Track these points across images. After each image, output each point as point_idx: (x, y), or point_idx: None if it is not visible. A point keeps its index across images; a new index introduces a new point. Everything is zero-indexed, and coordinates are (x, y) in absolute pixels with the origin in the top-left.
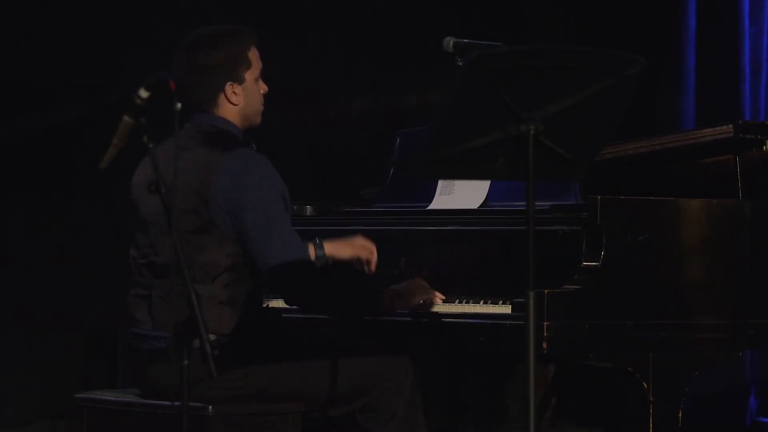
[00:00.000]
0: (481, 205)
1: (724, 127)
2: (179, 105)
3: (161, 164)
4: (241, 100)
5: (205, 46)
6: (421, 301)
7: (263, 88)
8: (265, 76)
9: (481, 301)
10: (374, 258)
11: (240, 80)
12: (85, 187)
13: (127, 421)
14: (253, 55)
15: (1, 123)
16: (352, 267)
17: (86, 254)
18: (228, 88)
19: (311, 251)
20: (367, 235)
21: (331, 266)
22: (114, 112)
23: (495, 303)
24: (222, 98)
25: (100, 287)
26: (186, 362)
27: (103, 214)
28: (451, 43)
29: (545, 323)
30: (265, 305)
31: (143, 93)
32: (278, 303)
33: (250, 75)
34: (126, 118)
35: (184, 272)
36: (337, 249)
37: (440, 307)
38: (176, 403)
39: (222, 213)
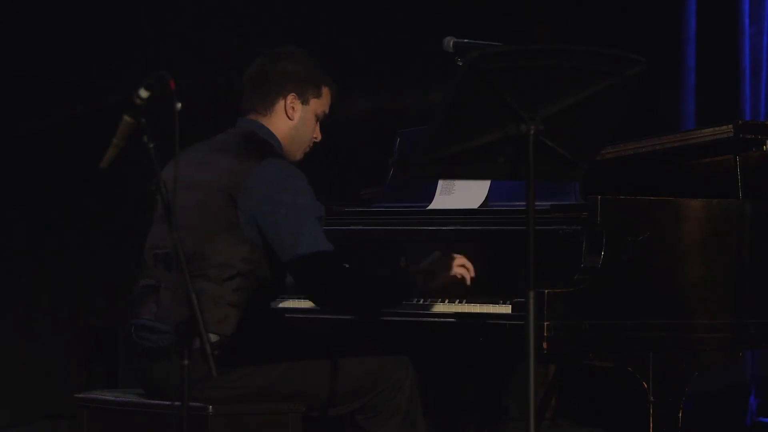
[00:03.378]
0: (481, 205)
1: (724, 127)
2: (179, 105)
3: (183, 162)
4: (296, 118)
5: (287, 57)
6: (456, 276)
7: (318, 133)
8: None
9: (482, 301)
10: (470, 268)
11: (304, 100)
12: (85, 188)
13: (127, 421)
14: (326, 94)
15: (1, 123)
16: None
17: (86, 254)
18: (290, 98)
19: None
20: (368, 235)
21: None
22: (114, 113)
23: (495, 303)
24: (280, 106)
25: (100, 287)
26: (186, 362)
27: (104, 213)
28: (451, 43)
29: (545, 323)
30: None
31: (143, 93)
32: (308, 303)
33: (315, 104)
34: (126, 117)
35: (185, 271)
36: (439, 280)
37: (440, 307)
38: (176, 403)
39: (248, 216)
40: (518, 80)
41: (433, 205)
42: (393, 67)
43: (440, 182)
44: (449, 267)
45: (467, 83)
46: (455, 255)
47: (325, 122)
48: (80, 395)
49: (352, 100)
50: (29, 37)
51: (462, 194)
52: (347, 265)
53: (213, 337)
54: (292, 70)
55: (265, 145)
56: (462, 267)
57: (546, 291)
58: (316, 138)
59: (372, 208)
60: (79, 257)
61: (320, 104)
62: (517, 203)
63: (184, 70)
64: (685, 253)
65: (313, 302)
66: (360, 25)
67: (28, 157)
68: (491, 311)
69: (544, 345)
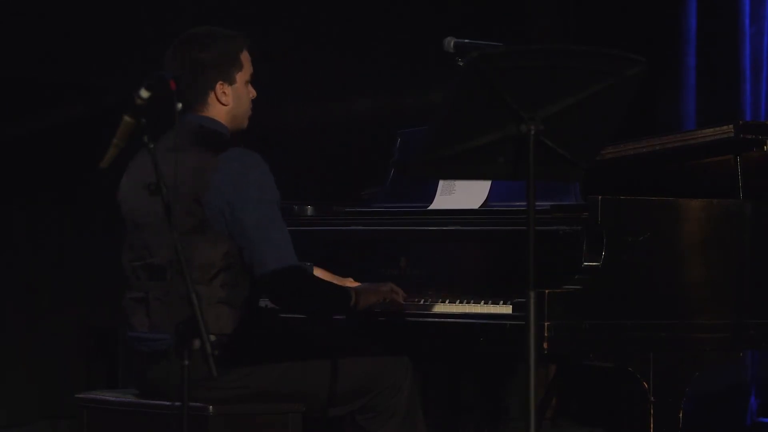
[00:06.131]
0: (481, 206)
1: (725, 127)
2: (180, 105)
3: (144, 168)
4: (230, 101)
5: (198, 45)
6: (383, 299)
7: (252, 92)
8: (258, 77)
9: (482, 301)
10: (401, 295)
11: (231, 81)
12: (85, 188)
13: (128, 421)
14: (245, 58)
15: (1, 123)
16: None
17: (86, 254)
18: (218, 87)
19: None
20: (368, 235)
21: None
22: (114, 113)
23: (496, 303)
24: (212, 97)
25: (100, 287)
26: (186, 362)
27: (103, 214)
28: (452, 43)
29: (546, 323)
30: (263, 305)
31: (144, 93)
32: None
33: (241, 77)
34: (126, 118)
35: (185, 272)
36: (367, 298)
37: (440, 307)
38: (176, 404)
39: (217, 213)
40: (518, 80)
41: (433, 206)
42: (393, 67)
43: (441, 182)
44: (378, 292)
45: (467, 83)
46: (385, 283)
47: (326, 123)
48: (80, 395)
49: (352, 100)
50: (29, 37)
51: (462, 194)
52: (302, 266)
53: (211, 337)
54: (208, 58)
55: (217, 136)
56: (390, 292)
57: (546, 291)
58: (252, 97)
59: (372, 208)
60: (79, 257)
61: (245, 72)
62: (518, 203)
63: None
64: (685, 253)
65: (271, 301)
66: (360, 25)
67: (28, 157)
68: (492, 311)
69: (545, 345)
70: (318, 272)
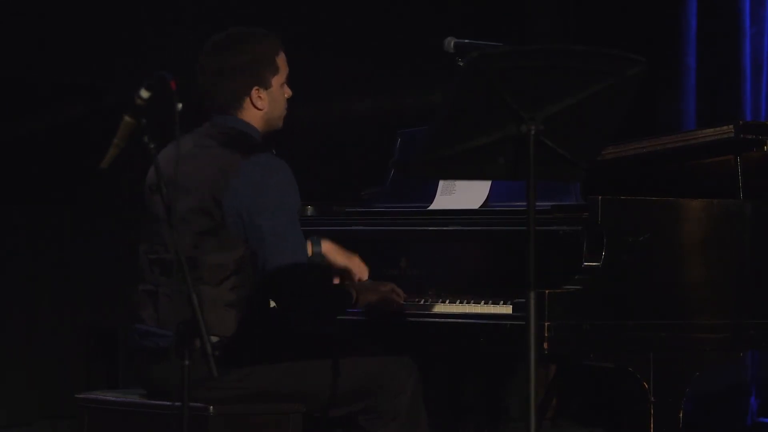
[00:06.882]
0: (482, 206)
1: (725, 127)
2: (180, 105)
3: (173, 161)
4: (266, 105)
5: (232, 48)
6: (383, 299)
7: (287, 92)
8: (289, 80)
9: (482, 302)
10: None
11: (266, 85)
12: (85, 188)
13: (128, 422)
14: (281, 60)
15: (1, 123)
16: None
17: (87, 254)
18: (254, 92)
19: (308, 248)
20: (368, 235)
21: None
22: (114, 113)
23: (496, 303)
24: (247, 102)
25: (100, 287)
26: (187, 362)
27: (104, 214)
28: (452, 44)
29: (546, 323)
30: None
31: (144, 93)
32: None
33: (277, 80)
34: (127, 118)
35: (185, 272)
36: (336, 254)
37: (440, 307)
38: (176, 404)
39: (235, 216)
40: (518, 80)
41: (433, 206)
42: (393, 67)
43: (441, 182)
44: (377, 291)
45: (467, 83)
46: (385, 283)
47: (326, 123)
48: (81, 395)
49: (352, 100)
50: (29, 37)
51: (463, 194)
52: (309, 270)
53: (213, 339)
54: (244, 63)
55: (246, 139)
56: (391, 292)
57: (547, 291)
58: (288, 97)
59: (373, 208)
60: (79, 258)
61: (282, 75)
62: (518, 203)
63: (184, 70)
64: (685, 253)
65: (274, 300)
66: (360, 25)
67: (28, 157)
68: (492, 311)
69: (545, 345)
70: (326, 245)
